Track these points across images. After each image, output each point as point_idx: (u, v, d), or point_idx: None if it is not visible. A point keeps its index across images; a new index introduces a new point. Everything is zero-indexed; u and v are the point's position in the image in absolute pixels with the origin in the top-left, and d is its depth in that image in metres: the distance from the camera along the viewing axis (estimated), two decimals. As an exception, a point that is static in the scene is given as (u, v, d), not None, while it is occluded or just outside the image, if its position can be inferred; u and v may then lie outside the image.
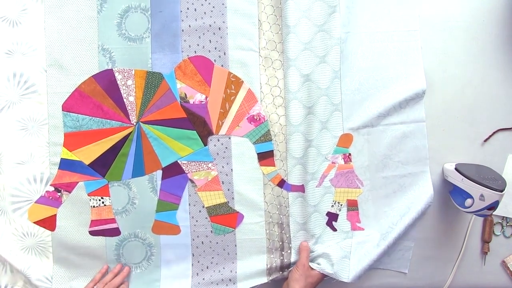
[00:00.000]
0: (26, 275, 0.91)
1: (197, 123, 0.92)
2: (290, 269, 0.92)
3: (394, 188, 0.93)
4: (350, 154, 0.93)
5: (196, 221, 0.93)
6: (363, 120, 0.92)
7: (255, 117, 0.93)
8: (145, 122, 0.92)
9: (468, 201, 0.84)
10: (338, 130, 0.93)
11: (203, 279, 0.93)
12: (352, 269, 0.89)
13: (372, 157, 0.93)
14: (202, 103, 0.92)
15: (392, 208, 0.93)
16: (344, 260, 0.90)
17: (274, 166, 0.93)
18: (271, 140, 0.93)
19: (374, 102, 0.92)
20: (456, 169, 0.89)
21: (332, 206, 0.94)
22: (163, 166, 0.93)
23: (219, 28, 0.93)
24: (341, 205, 0.94)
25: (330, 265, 0.90)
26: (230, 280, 0.93)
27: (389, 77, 0.92)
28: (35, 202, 0.92)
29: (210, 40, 0.93)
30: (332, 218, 0.93)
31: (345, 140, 0.93)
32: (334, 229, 0.93)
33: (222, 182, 0.93)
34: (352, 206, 0.94)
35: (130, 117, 0.92)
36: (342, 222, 0.94)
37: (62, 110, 0.92)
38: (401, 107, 0.92)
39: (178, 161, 0.93)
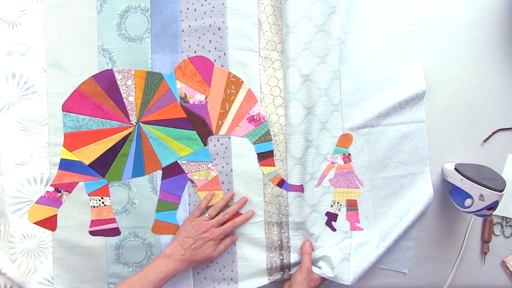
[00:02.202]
0: (27, 281, 0.91)
1: (197, 123, 0.92)
2: (291, 272, 0.92)
3: (394, 189, 0.93)
4: (349, 154, 0.93)
5: (196, 221, 0.93)
6: (363, 120, 0.92)
7: (255, 117, 0.93)
8: (145, 122, 0.92)
9: (468, 201, 0.84)
10: (338, 130, 0.93)
11: (205, 278, 0.94)
12: (352, 271, 0.89)
13: (372, 157, 0.93)
14: (202, 103, 0.92)
15: (392, 208, 0.93)
16: (344, 263, 0.90)
17: (274, 166, 0.93)
18: (271, 140, 0.93)
19: (374, 102, 0.92)
20: (455, 169, 0.89)
21: (332, 206, 0.94)
22: (163, 166, 0.93)
23: (219, 28, 0.93)
24: (341, 205, 0.94)
25: (331, 268, 0.90)
26: (231, 279, 0.93)
27: (389, 77, 0.92)
28: (35, 203, 0.92)
29: (210, 40, 0.93)
30: (331, 218, 0.93)
31: (345, 140, 0.93)
32: (334, 229, 0.93)
33: (222, 182, 0.93)
34: (352, 206, 0.94)
35: (130, 117, 0.92)
36: (342, 222, 0.94)
37: (62, 111, 0.92)
38: (401, 108, 0.92)
39: (178, 161, 0.93)
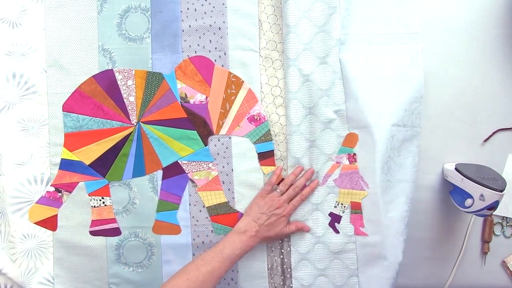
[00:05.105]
0: (27, 281, 0.92)
1: (197, 123, 0.92)
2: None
3: (398, 193, 0.91)
4: (355, 154, 0.93)
5: (197, 220, 0.93)
6: (367, 122, 0.91)
7: (256, 117, 0.93)
8: (145, 122, 0.92)
9: (468, 201, 0.84)
10: (343, 130, 0.92)
11: (205, 278, 0.94)
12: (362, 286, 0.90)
13: (377, 158, 0.92)
14: (203, 103, 0.92)
15: (397, 213, 0.91)
16: (353, 279, 0.90)
17: (275, 166, 0.93)
18: (271, 140, 0.93)
19: (377, 104, 0.90)
20: (456, 169, 0.89)
21: (335, 207, 0.93)
22: (164, 166, 0.93)
23: (220, 28, 0.93)
24: (345, 206, 0.93)
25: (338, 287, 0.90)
26: (232, 279, 0.94)
27: (390, 79, 0.91)
28: (36, 203, 0.92)
29: (210, 40, 0.93)
30: (334, 219, 0.93)
31: (351, 139, 0.92)
32: (337, 231, 0.93)
33: (223, 182, 0.93)
34: (356, 209, 0.92)
35: (130, 117, 0.92)
36: (345, 225, 0.92)
37: (63, 111, 0.92)
38: (404, 110, 0.91)
39: (179, 161, 0.93)
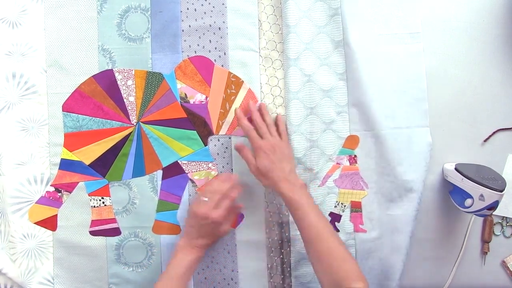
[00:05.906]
0: (27, 281, 0.92)
1: (197, 123, 0.92)
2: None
3: (401, 193, 0.91)
4: (355, 156, 0.93)
5: (197, 220, 0.93)
6: (370, 123, 0.91)
7: (256, 117, 0.93)
8: (145, 122, 0.92)
9: (468, 201, 0.84)
10: (345, 131, 0.92)
11: (205, 278, 0.94)
12: None
13: (379, 160, 0.92)
14: (203, 103, 0.92)
15: (400, 211, 0.91)
16: None
17: (274, 166, 0.93)
18: (271, 140, 0.93)
19: (380, 105, 0.91)
20: (456, 169, 0.88)
21: (335, 206, 0.93)
22: (164, 166, 0.93)
23: (219, 28, 0.93)
24: (345, 206, 0.93)
25: None
26: (232, 279, 0.94)
27: (392, 80, 0.91)
28: (36, 203, 0.92)
29: (210, 40, 0.93)
30: (335, 219, 0.93)
31: (352, 141, 0.92)
32: (337, 230, 0.93)
33: (223, 182, 0.93)
34: (356, 207, 0.93)
35: (130, 117, 0.92)
36: (345, 223, 0.93)
37: (62, 111, 0.92)
38: (405, 112, 0.91)
39: (179, 161, 0.93)
